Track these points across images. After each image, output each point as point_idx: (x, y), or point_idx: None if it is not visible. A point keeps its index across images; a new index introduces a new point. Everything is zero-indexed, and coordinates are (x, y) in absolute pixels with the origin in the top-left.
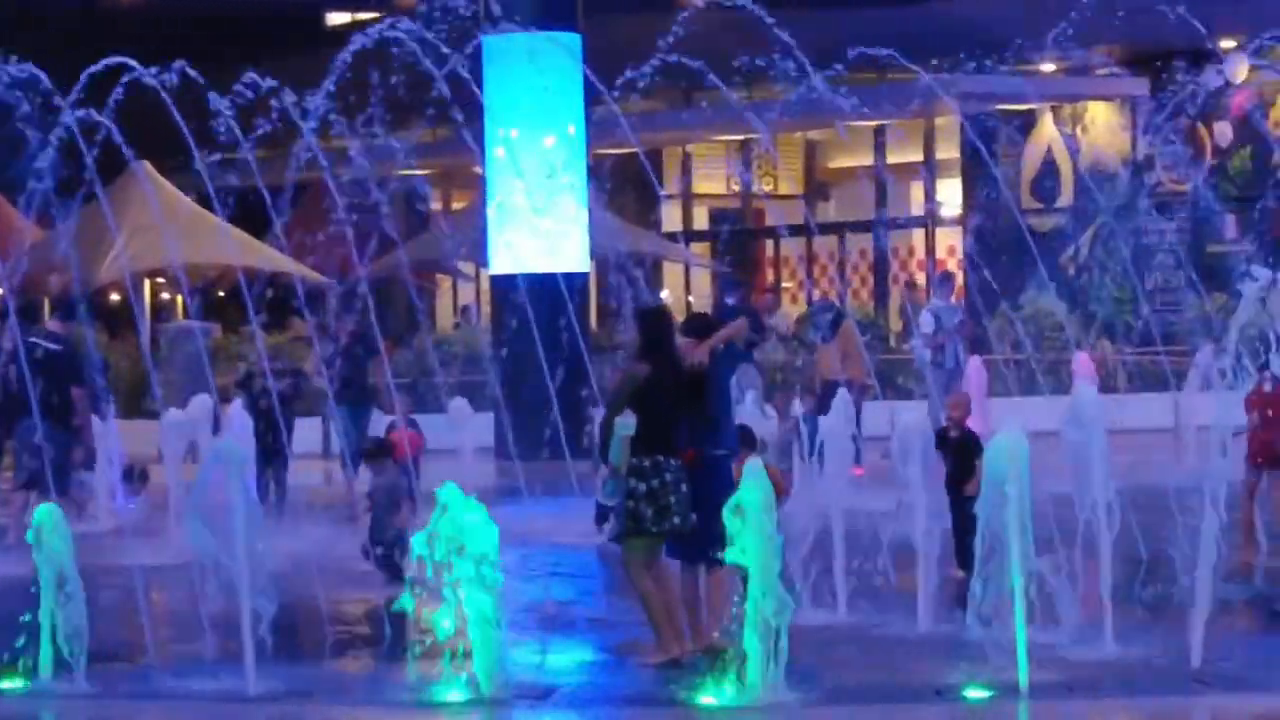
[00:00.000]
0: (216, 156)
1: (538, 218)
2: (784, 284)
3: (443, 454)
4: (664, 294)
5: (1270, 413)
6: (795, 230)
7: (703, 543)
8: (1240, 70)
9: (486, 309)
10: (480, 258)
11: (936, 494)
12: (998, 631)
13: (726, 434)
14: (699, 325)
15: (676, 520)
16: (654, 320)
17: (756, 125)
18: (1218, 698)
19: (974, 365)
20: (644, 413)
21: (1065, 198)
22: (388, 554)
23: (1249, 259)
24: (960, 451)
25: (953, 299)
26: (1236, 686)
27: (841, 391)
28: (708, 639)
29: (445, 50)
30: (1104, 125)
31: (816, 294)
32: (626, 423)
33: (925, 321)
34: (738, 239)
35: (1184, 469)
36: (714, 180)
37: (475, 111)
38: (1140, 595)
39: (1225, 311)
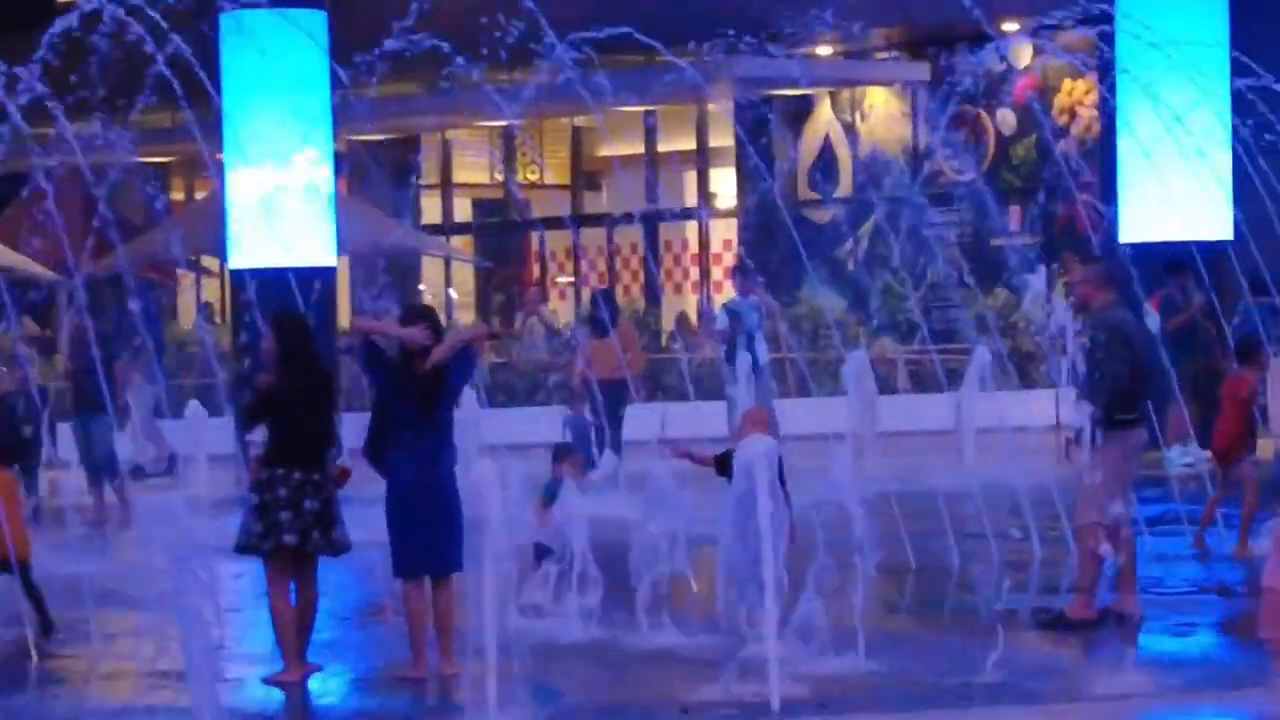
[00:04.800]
0: None
1: (282, 209)
2: (555, 279)
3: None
4: (422, 289)
5: None
6: (562, 222)
7: (429, 557)
8: (1023, 54)
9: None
10: (222, 252)
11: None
12: (752, 646)
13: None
14: (423, 317)
15: (287, 538)
16: (290, 329)
17: (515, 110)
18: (976, 711)
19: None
20: (272, 425)
21: (844, 188)
22: None
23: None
24: None
25: (753, 295)
26: (998, 699)
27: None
28: (450, 659)
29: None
30: (884, 112)
31: (586, 291)
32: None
33: (719, 319)
34: (501, 231)
35: (963, 472)
36: (477, 169)
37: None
38: (906, 606)
39: (1006, 308)
